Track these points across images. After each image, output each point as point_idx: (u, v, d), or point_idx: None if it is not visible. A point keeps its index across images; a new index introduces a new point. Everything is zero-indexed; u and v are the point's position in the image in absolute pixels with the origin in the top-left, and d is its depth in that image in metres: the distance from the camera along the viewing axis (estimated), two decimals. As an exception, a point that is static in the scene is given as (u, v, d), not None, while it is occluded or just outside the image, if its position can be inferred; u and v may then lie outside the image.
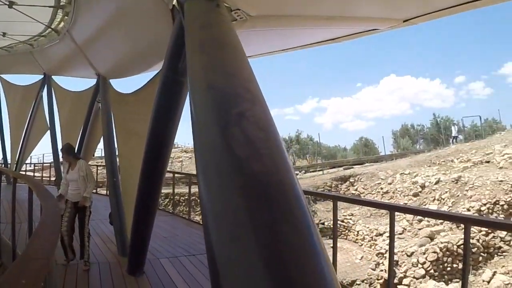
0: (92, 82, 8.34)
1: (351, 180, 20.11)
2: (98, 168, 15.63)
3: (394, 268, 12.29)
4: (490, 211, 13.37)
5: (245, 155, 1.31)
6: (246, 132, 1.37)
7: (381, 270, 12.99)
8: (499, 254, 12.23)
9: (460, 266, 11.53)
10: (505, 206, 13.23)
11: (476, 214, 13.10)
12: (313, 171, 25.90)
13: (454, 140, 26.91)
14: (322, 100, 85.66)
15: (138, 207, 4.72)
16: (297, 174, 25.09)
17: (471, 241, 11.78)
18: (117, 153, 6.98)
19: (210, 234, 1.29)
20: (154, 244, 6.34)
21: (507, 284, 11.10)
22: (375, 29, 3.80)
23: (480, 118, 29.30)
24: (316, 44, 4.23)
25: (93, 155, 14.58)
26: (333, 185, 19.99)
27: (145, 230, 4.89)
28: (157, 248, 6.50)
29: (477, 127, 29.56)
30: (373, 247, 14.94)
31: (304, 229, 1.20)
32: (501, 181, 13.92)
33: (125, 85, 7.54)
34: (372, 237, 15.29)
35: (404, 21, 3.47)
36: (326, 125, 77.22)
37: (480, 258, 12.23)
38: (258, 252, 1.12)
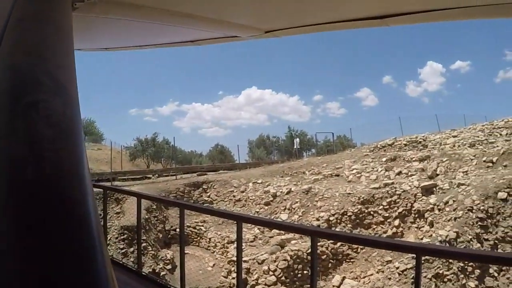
0: None
1: (204, 186, 19.96)
2: None
3: (246, 276, 12.55)
4: (339, 221, 14.46)
5: (20, 156, 0.95)
6: (31, 128, 1.02)
7: (233, 278, 13.10)
8: (347, 260, 13.21)
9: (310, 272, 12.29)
10: (353, 217, 14.43)
11: (326, 225, 14.18)
12: (166, 175, 25.42)
13: (297, 152, 28.90)
14: (183, 104, 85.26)
15: None
16: (149, 178, 24.44)
17: (321, 248, 12.65)
18: None
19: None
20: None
21: (355, 288, 12.17)
22: (236, 36, 3.68)
23: (333, 134, 32.22)
24: (173, 44, 3.97)
25: None
26: (185, 191, 19.51)
27: None
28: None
29: (330, 142, 32.47)
30: (225, 254, 15.08)
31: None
32: (349, 193, 15.21)
33: None
34: (223, 245, 15.42)
35: (266, 32, 3.42)
36: (185, 130, 76.81)
37: (330, 265, 13.08)
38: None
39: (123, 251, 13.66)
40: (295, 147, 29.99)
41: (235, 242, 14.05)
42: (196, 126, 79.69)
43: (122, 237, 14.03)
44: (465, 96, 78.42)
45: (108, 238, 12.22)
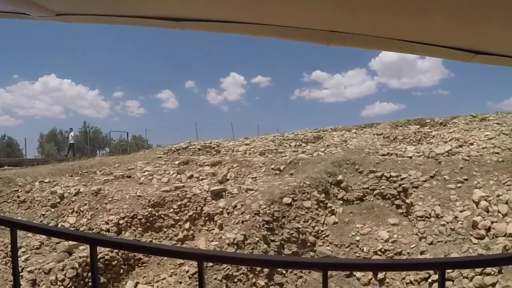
0: None
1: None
2: None
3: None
4: (129, 224, 13.81)
5: None
6: None
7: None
8: (139, 265, 12.66)
9: (102, 280, 11.56)
10: (143, 220, 13.91)
11: (115, 228, 13.38)
12: None
13: (74, 148, 26.74)
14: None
15: None
16: None
17: (111, 254, 11.91)
18: None
19: None
20: None
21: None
22: (26, 14, 3.08)
23: (127, 134, 31.07)
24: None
25: None
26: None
27: None
28: None
29: (125, 142, 31.25)
30: (9, 264, 12.88)
31: None
32: (140, 196, 14.70)
33: None
34: (7, 253, 13.19)
35: (57, 15, 2.93)
36: (-34, 117, 64.47)
37: (122, 271, 12.33)
38: None
39: None
40: (69, 141, 27.35)
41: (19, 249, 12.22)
42: (-15, 112, 67.69)
43: None
44: (261, 108, 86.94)
45: None
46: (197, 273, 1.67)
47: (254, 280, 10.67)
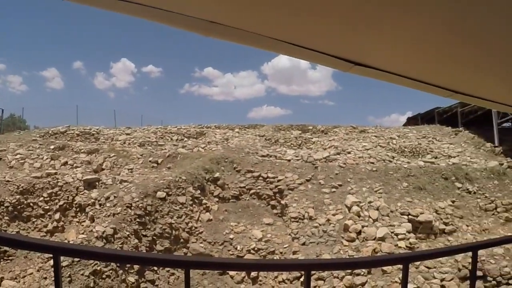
0: None
1: None
2: None
3: None
4: (-5, 212, 12.59)
5: None
6: None
7: None
8: (5, 258, 11.52)
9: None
10: (10, 208, 12.74)
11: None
12: None
13: None
14: None
15: None
16: None
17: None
18: None
19: None
20: None
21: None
22: None
23: (3, 111, 28.03)
24: None
25: None
26: None
27: None
28: None
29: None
30: None
31: None
32: (8, 181, 13.47)
33: None
34: None
35: None
36: None
37: None
38: None
39: None
40: None
41: None
42: None
43: None
44: (149, 99, 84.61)
45: None
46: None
47: (124, 276, 10.31)
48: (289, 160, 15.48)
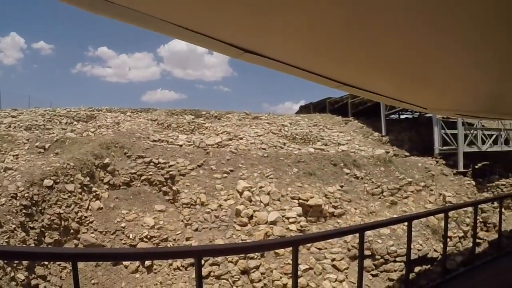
0: None
1: None
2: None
3: None
4: None
5: None
6: None
7: None
8: None
9: None
10: None
11: None
12: None
13: None
14: None
15: None
16: None
17: None
18: None
19: None
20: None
21: None
22: None
23: None
24: None
25: None
26: None
27: None
28: None
29: None
30: None
31: None
32: None
33: None
34: None
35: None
36: None
37: None
38: None
39: None
40: None
41: None
42: None
43: None
44: (38, 78, 77.39)
45: None
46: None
47: (12, 274, 9.23)
48: (181, 146, 15.32)
